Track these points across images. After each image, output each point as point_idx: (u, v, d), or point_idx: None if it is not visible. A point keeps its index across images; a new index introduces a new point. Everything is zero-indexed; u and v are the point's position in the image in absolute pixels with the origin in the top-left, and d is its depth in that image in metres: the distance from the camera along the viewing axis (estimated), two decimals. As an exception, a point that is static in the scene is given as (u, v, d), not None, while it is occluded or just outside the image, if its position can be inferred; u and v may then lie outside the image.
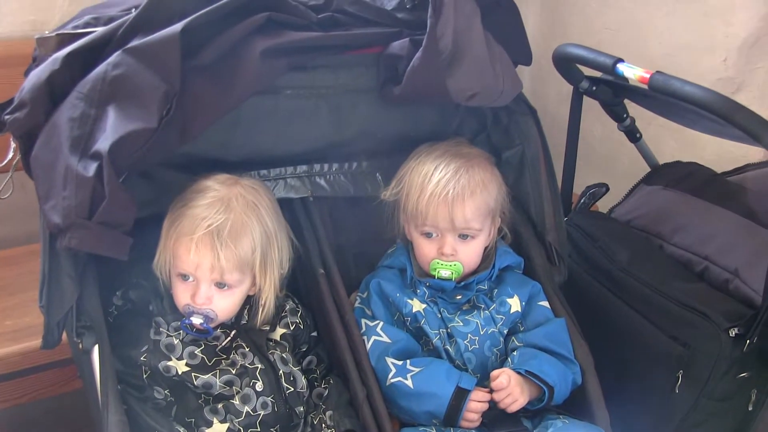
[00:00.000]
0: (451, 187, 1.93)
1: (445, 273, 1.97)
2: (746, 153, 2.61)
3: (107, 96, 1.63)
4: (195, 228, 1.75)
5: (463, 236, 1.97)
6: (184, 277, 1.79)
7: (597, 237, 2.37)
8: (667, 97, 2.06)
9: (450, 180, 1.94)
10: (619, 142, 2.65)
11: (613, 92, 2.36)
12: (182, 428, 1.77)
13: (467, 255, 1.99)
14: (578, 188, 2.59)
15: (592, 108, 2.47)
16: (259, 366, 1.84)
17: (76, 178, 1.59)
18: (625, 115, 2.45)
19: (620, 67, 2.10)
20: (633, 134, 2.51)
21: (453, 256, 1.97)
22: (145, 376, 1.78)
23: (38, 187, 1.66)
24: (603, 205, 2.60)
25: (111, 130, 1.61)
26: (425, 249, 2.00)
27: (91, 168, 1.60)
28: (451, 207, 1.93)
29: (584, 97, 2.44)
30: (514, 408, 1.88)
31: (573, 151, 2.50)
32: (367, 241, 2.21)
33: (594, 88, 2.36)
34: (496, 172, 2.05)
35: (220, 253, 1.74)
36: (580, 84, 2.36)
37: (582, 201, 2.53)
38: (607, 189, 2.51)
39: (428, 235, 1.99)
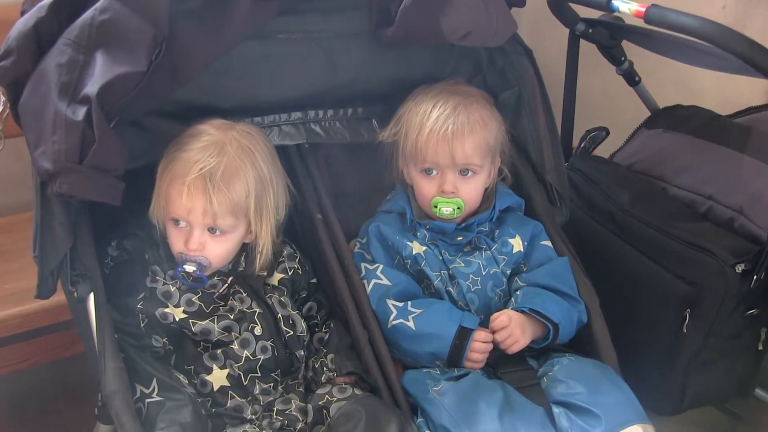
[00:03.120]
0: (450, 123, 1.89)
1: (446, 210, 1.93)
2: (749, 101, 2.55)
3: (95, 41, 1.59)
4: (188, 171, 1.70)
5: (464, 172, 1.93)
6: (177, 222, 1.75)
7: (598, 180, 2.33)
8: (664, 34, 2.02)
9: (449, 116, 1.90)
10: (618, 94, 2.61)
11: (609, 33, 2.32)
12: (182, 376, 1.73)
13: (468, 192, 1.94)
14: (577, 137, 2.54)
15: (589, 61, 2.43)
16: (257, 310, 1.81)
17: (66, 123, 1.56)
18: (623, 58, 2.42)
19: (615, 2, 2.05)
20: (632, 77, 2.47)
21: (454, 193, 1.93)
22: (142, 325, 1.74)
23: (27, 134, 1.62)
24: (603, 153, 2.55)
25: (99, 74, 1.57)
26: (425, 188, 1.96)
27: (81, 112, 1.56)
28: (451, 142, 1.89)
29: (581, 43, 2.39)
30: (515, 349, 1.84)
31: (571, 96, 2.47)
32: (365, 190, 2.17)
33: (590, 30, 2.32)
34: (496, 111, 2.00)
35: (213, 197, 1.70)
36: (576, 27, 2.32)
37: (582, 145, 2.49)
38: (608, 133, 2.47)
39: (428, 172, 1.95)
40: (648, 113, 2.56)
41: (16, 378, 2.51)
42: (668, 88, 2.74)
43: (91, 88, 1.56)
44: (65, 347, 2.38)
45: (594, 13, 2.27)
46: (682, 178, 2.27)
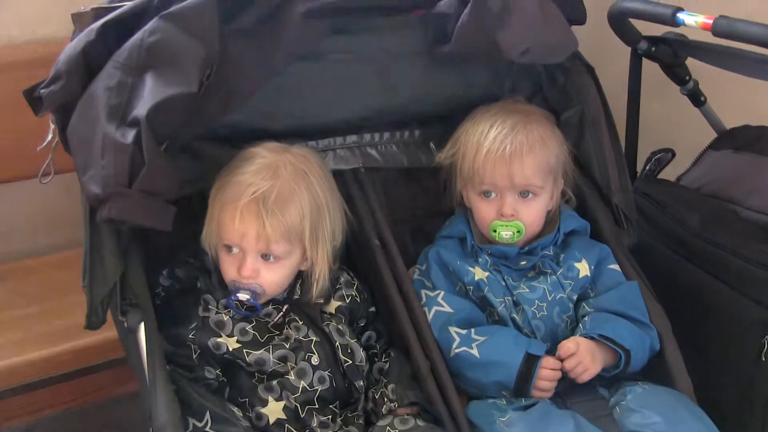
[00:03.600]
0: (509, 143, 1.82)
1: (506, 234, 1.85)
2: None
3: (145, 63, 1.56)
4: (240, 195, 1.65)
5: (524, 194, 1.85)
6: (230, 248, 1.69)
7: (665, 203, 2.23)
8: (732, 48, 1.94)
9: (507, 135, 1.83)
10: (679, 116, 2.51)
11: (673, 51, 2.23)
12: (236, 408, 1.66)
13: (529, 215, 1.86)
14: (640, 161, 2.45)
15: (649, 82, 2.35)
16: (314, 339, 1.73)
17: (114, 146, 1.51)
18: (687, 77, 2.32)
19: (680, 15, 1.97)
20: (697, 98, 2.37)
21: (513, 216, 1.85)
22: (195, 356, 1.68)
23: (76, 159, 1.58)
24: (668, 178, 2.45)
25: (149, 95, 1.54)
26: (484, 211, 1.88)
27: (130, 135, 1.52)
28: (509, 163, 1.82)
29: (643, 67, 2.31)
30: (585, 377, 1.75)
31: (635, 118, 2.37)
32: (424, 215, 2.09)
33: (653, 48, 2.23)
34: (557, 130, 1.93)
35: (266, 222, 1.64)
36: (638, 45, 2.23)
37: (647, 168, 2.39)
38: (674, 154, 2.37)
39: (487, 195, 1.87)
40: (713, 135, 2.45)
41: (67, 416, 2.45)
42: (729, 115, 2.63)
43: (141, 109, 1.52)
44: (117, 385, 2.35)
45: (656, 31, 2.18)
46: (755, 199, 2.16)
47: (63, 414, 2.40)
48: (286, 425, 1.67)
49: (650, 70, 2.35)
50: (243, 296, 1.67)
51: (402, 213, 2.07)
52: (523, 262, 1.90)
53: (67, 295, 2.34)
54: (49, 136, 1.72)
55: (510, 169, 1.82)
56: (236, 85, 1.67)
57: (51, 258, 2.57)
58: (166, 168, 1.56)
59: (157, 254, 1.79)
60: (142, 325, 1.63)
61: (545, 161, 1.86)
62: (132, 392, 1.97)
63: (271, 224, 1.64)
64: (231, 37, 1.62)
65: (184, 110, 1.56)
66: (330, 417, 1.72)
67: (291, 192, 1.68)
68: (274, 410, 1.67)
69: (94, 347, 2.18)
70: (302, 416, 1.68)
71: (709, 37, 1.96)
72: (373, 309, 1.90)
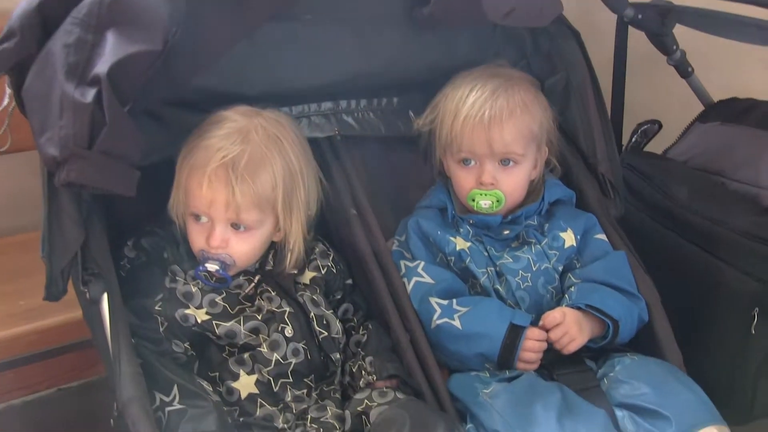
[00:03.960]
0: (488, 107, 1.74)
1: (484, 203, 1.77)
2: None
3: (106, 20, 1.46)
4: (208, 160, 1.56)
5: (505, 162, 1.77)
6: (198, 217, 1.60)
7: (652, 176, 2.17)
8: (722, 13, 1.87)
9: (487, 100, 1.75)
10: (667, 106, 2.45)
11: (660, 18, 2.16)
12: (206, 383, 1.57)
13: (509, 184, 1.78)
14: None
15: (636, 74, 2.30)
16: (288, 309, 1.65)
17: (73, 105, 1.42)
18: (675, 47, 2.25)
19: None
20: (684, 68, 2.31)
21: (493, 185, 1.77)
22: (161, 329, 1.59)
23: (32, 121, 1.48)
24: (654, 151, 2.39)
25: (111, 53, 1.44)
26: (462, 179, 1.80)
27: (90, 94, 1.42)
28: (488, 129, 1.74)
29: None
30: (571, 348, 1.68)
31: (620, 88, 2.32)
32: (403, 186, 2.01)
33: (640, 16, 2.16)
34: (541, 95, 1.85)
35: (236, 188, 1.55)
36: (625, 12, 2.16)
37: (633, 140, 2.32)
38: (660, 126, 2.30)
39: (466, 163, 1.79)
40: (699, 110, 2.38)
41: (36, 403, 2.35)
42: (714, 90, 2.57)
43: (102, 67, 1.42)
44: (86, 367, 2.24)
45: None
46: (744, 171, 2.10)
47: (31, 399, 2.31)
48: (259, 400, 1.59)
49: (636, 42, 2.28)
50: (211, 267, 1.58)
51: (380, 184, 1.98)
52: (506, 232, 1.82)
53: (31, 276, 2.23)
54: (5, 101, 1.62)
55: (489, 136, 1.74)
56: (203, 45, 1.58)
57: (15, 239, 2.47)
58: (129, 129, 1.46)
59: (122, 225, 1.70)
60: (105, 296, 1.54)
61: (527, 128, 1.78)
62: (103, 376, 1.88)
63: (241, 191, 1.56)
64: (197, -7, 1.53)
65: (148, 69, 1.46)
66: (305, 391, 1.64)
67: (262, 157, 1.59)
68: (245, 384, 1.59)
69: (60, 327, 2.08)
70: (275, 390, 1.60)
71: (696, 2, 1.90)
72: (350, 281, 1.82)
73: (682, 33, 2.24)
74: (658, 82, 2.54)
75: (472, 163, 1.79)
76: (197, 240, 1.61)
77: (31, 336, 2.06)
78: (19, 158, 2.04)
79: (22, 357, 2.10)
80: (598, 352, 1.75)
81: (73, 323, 2.00)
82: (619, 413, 1.57)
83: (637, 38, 2.31)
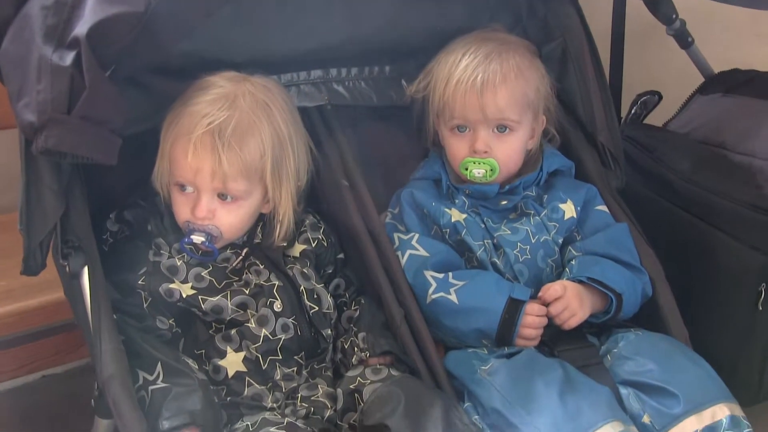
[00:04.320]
0: (481, 71, 1.69)
1: (478, 172, 1.71)
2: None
3: (85, -20, 1.39)
4: (194, 127, 1.49)
5: (501, 129, 1.72)
6: (183, 187, 1.53)
7: (653, 147, 2.10)
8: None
9: (480, 64, 1.69)
10: (664, 79, 2.39)
11: (659, -15, 2.09)
12: (191, 361, 1.50)
13: (503, 152, 1.72)
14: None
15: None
16: (277, 283, 1.58)
17: (52, 69, 1.35)
18: (674, 16, 2.19)
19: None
20: (684, 38, 2.24)
21: (487, 153, 1.71)
22: (145, 304, 1.53)
23: (9, 85, 1.42)
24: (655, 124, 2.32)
25: (90, 14, 1.37)
26: (455, 147, 1.75)
27: (69, 57, 1.35)
28: (480, 94, 1.68)
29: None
30: (572, 323, 1.62)
31: (619, 58, 2.25)
32: (396, 157, 1.94)
33: (638, -18, 2.10)
34: (537, 61, 1.79)
35: (222, 156, 1.48)
36: (622, -21, 2.10)
37: (633, 111, 2.26)
38: (660, 97, 2.24)
39: (460, 130, 1.73)
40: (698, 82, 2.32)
41: (20, 391, 2.29)
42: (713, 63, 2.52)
43: (81, 29, 1.35)
44: (70, 350, 2.18)
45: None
46: (747, 143, 2.04)
47: (13, 387, 2.24)
48: (247, 378, 1.53)
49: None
50: (197, 238, 1.52)
51: (373, 155, 1.90)
52: (503, 202, 1.76)
53: (12, 256, 2.16)
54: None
55: (482, 101, 1.68)
56: (188, 6, 1.50)
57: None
58: (110, 93, 1.39)
59: (105, 197, 1.64)
60: (86, 269, 1.47)
61: (521, 93, 1.72)
62: (88, 360, 1.82)
63: (228, 159, 1.49)
64: (181, -47, 1.45)
65: (130, 32, 1.39)
66: (295, 369, 1.57)
67: (250, 124, 1.52)
68: (233, 362, 1.53)
69: (42, 308, 2.00)
70: (264, 368, 1.54)
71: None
72: (341, 256, 1.75)
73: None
74: (654, 55, 2.48)
75: (466, 130, 1.73)
76: (182, 211, 1.54)
77: (11, 317, 1.99)
78: (1, 136, 1.97)
79: (1, 340, 2.03)
80: (600, 327, 1.70)
81: (56, 304, 1.93)
82: (624, 391, 1.52)
83: (630, 9, 2.24)
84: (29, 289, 2.01)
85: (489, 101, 1.68)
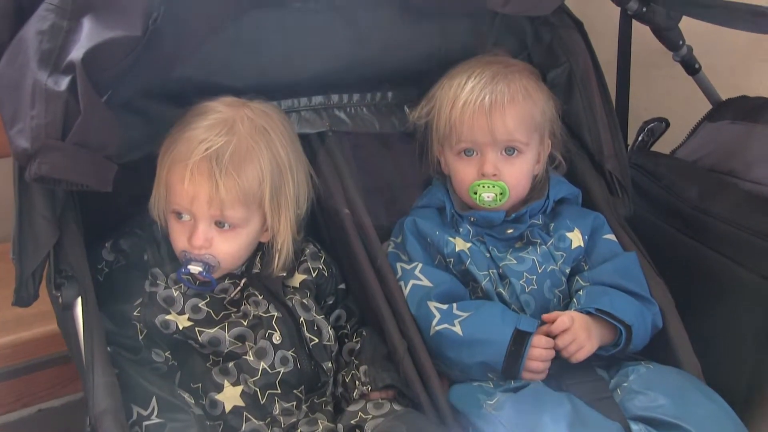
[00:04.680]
0: (488, 92, 1.66)
1: (487, 196, 1.68)
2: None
3: (82, 5, 1.37)
4: (191, 152, 1.46)
5: (508, 151, 1.69)
6: (180, 215, 1.50)
7: (660, 175, 2.07)
8: (731, 3, 1.78)
9: (486, 85, 1.68)
10: (670, 107, 2.36)
11: (666, 11, 2.06)
12: (187, 395, 1.46)
13: (513, 175, 1.69)
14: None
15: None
16: (276, 314, 1.54)
17: (46, 94, 1.32)
18: (681, 42, 2.15)
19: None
20: (691, 65, 2.21)
21: (496, 176, 1.68)
22: (140, 336, 1.49)
23: (3, 111, 1.39)
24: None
25: (86, 38, 1.36)
26: (463, 171, 1.71)
27: (64, 82, 1.33)
28: (489, 115, 1.66)
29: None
30: (580, 356, 1.57)
31: (625, 86, 2.21)
32: (398, 185, 1.90)
33: (644, 9, 2.06)
34: (542, 84, 1.78)
35: (220, 182, 1.45)
36: (628, 5, 2.06)
37: (640, 139, 2.22)
38: (668, 124, 2.20)
39: (467, 154, 1.70)
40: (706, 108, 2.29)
41: (14, 426, 2.24)
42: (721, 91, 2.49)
43: (76, 53, 1.34)
44: (66, 383, 2.13)
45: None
46: (757, 170, 2.00)
47: (5, 420, 2.20)
48: (245, 413, 1.48)
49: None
50: (195, 269, 1.48)
51: (375, 183, 1.87)
52: (509, 231, 1.72)
53: (6, 287, 2.14)
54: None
55: (490, 122, 1.66)
56: (186, 32, 1.49)
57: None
58: (106, 119, 1.37)
59: (100, 225, 1.60)
60: (79, 300, 1.43)
61: (529, 114, 1.69)
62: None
63: (226, 186, 1.46)
64: (180, -24, 1.43)
65: (127, 56, 1.37)
66: (294, 403, 1.53)
67: (249, 150, 1.49)
68: (230, 396, 1.48)
69: (36, 340, 1.98)
70: (262, 403, 1.49)
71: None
72: (342, 286, 1.71)
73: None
74: (661, 82, 2.46)
75: (473, 153, 1.70)
76: (179, 240, 1.51)
77: (4, 350, 1.96)
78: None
79: (-4, 372, 1.99)
80: (609, 360, 1.65)
81: (50, 336, 1.91)
82: (635, 427, 1.46)
83: (636, 36, 2.22)
84: (23, 320, 1.98)
85: (498, 122, 1.66)
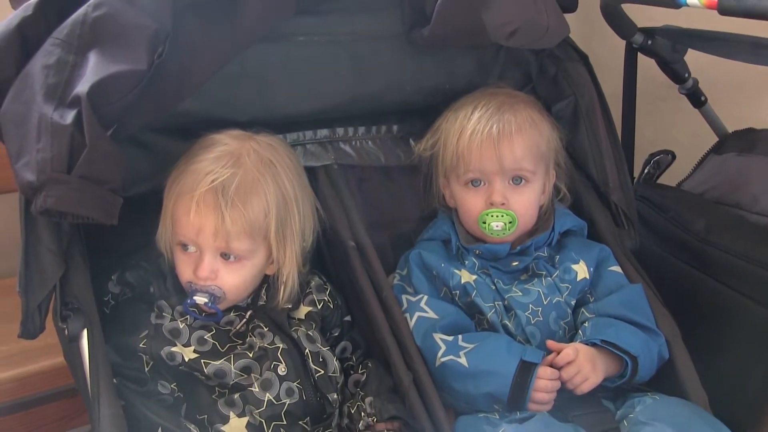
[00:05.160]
0: (495, 121, 1.68)
1: (496, 225, 1.69)
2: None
3: (88, 40, 1.39)
4: (197, 184, 1.48)
5: (516, 181, 1.70)
6: (185, 247, 1.51)
7: (667, 207, 2.07)
8: (738, 35, 1.80)
9: (493, 115, 1.69)
10: (675, 140, 2.38)
11: (671, 44, 2.07)
12: (193, 426, 1.47)
13: (520, 204, 1.70)
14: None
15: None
16: (281, 346, 1.55)
17: (52, 128, 1.34)
18: (686, 75, 2.17)
19: (683, -5, 1.82)
20: (697, 97, 2.22)
21: (504, 205, 1.69)
22: (146, 368, 1.50)
23: (9, 146, 1.41)
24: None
25: (92, 72, 1.38)
26: (470, 202, 1.72)
27: (69, 115, 1.35)
28: (497, 144, 1.67)
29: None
30: (584, 388, 1.57)
31: (631, 118, 2.23)
32: (404, 220, 1.91)
33: (649, 42, 2.08)
34: (546, 114, 1.79)
35: (225, 214, 1.46)
36: (634, 38, 2.08)
37: (646, 171, 2.23)
38: (674, 157, 2.22)
39: (474, 184, 1.71)
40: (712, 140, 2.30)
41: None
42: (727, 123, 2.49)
43: (82, 87, 1.35)
44: (72, 417, 2.14)
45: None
46: (763, 203, 2.00)
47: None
48: (250, 445, 1.49)
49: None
50: (200, 299, 1.49)
51: (380, 216, 1.88)
52: (515, 263, 1.73)
53: (12, 321, 2.14)
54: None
55: (499, 152, 1.67)
56: (190, 66, 1.51)
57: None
58: (111, 152, 1.38)
59: (107, 259, 1.61)
60: (85, 332, 1.44)
61: (536, 144, 1.71)
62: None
63: (231, 217, 1.47)
64: (185, 11, 1.46)
65: (132, 90, 1.39)
66: (300, 435, 1.53)
67: (255, 182, 1.51)
68: (236, 427, 1.49)
69: (43, 373, 1.99)
70: (268, 434, 1.50)
71: (709, 24, 1.82)
72: (348, 318, 1.72)
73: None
74: (667, 114, 2.47)
75: (481, 183, 1.71)
76: (185, 271, 1.52)
77: (12, 383, 1.97)
78: (4, 200, 1.95)
79: (2, 406, 2.00)
80: (616, 391, 1.65)
81: (57, 369, 1.93)
82: (642, 457, 1.46)
83: (642, 69, 2.23)
84: (30, 353, 1.99)
85: (506, 151, 1.67)
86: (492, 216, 1.69)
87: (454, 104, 1.78)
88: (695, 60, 2.16)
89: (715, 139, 2.27)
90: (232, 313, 1.57)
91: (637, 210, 2.00)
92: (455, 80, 1.85)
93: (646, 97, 2.34)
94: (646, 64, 2.19)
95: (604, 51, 2.22)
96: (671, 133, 2.57)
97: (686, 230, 1.99)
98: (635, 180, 2.26)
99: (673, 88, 2.24)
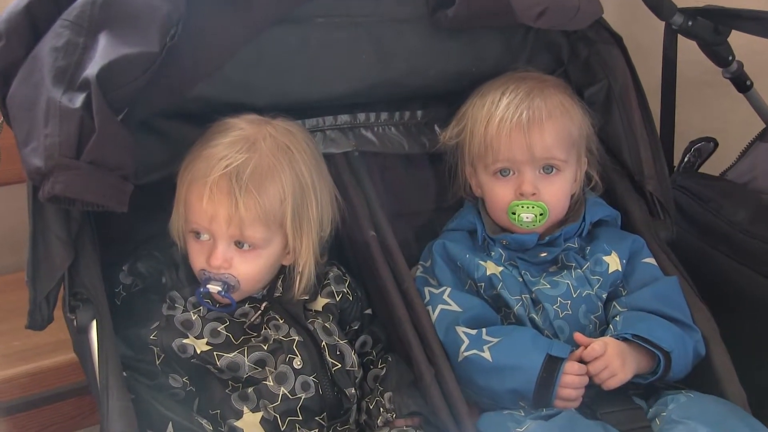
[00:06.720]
0: (525, 108, 1.67)
1: (526, 217, 1.69)
2: None
3: (98, 22, 1.42)
4: (210, 169, 1.49)
5: (547, 170, 1.70)
6: (198, 235, 1.53)
7: (708, 198, 2.07)
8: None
9: (523, 100, 1.69)
10: (720, 127, 2.37)
11: (713, 25, 2.06)
12: (205, 421, 1.48)
13: (552, 194, 1.70)
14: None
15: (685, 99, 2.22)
16: (297, 338, 1.56)
17: (60, 111, 1.36)
18: (730, 57, 2.15)
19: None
20: (742, 82, 2.20)
21: (535, 195, 1.69)
22: (158, 362, 1.51)
23: (17, 130, 1.43)
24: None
25: (102, 55, 1.40)
26: (499, 192, 1.72)
27: (78, 99, 1.37)
28: (527, 132, 1.67)
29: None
30: (612, 384, 1.57)
31: (670, 103, 2.21)
32: (427, 209, 1.92)
33: (690, 23, 2.07)
34: (577, 98, 1.78)
35: (239, 201, 1.48)
36: (673, 19, 2.07)
37: (686, 159, 2.22)
38: (716, 144, 2.20)
39: (503, 174, 1.71)
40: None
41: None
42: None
43: (91, 70, 1.37)
44: (87, 414, 2.16)
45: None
46: (813, 194, 2.00)
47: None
48: (265, 441, 1.50)
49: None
50: (213, 288, 1.51)
51: (403, 206, 1.89)
52: (543, 254, 1.73)
53: (23, 316, 2.19)
54: (-1, 130, 1.58)
55: (529, 140, 1.67)
56: (205, 49, 1.54)
57: (13, 277, 2.41)
58: (121, 137, 1.40)
59: (119, 249, 1.64)
60: (94, 323, 1.46)
61: (567, 131, 1.71)
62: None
63: (245, 204, 1.49)
64: (200, -9, 1.47)
65: (143, 72, 1.41)
66: (316, 431, 1.55)
67: (270, 168, 1.52)
68: (249, 423, 1.50)
69: (58, 369, 2.01)
70: (283, 430, 1.51)
71: (755, 3, 1.82)
72: (369, 311, 1.73)
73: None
74: (711, 100, 2.45)
75: (510, 173, 1.71)
76: (197, 259, 1.54)
77: (24, 378, 1.99)
78: (17, 191, 1.98)
79: (15, 403, 2.03)
80: (648, 388, 1.65)
81: (71, 365, 1.94)
82: (673, 457, 1.46)
83: (684, 54, 2.22)
84: (43, 349, 2.01)
85: (536, 139, 1.67)
86: (522, 207, 1.69)
87: (480, 89, 1.78)
88: (742, 43, 2.14)
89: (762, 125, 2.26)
90: (246, 305, 1.59)
91: (675, 200, 1.99)
92: (482, 64, 1.84)
93: (693, 82, 2.33)
94: (694, 49, 2.18)
95: (649, 37, 2.20)
96: (719, 120, 2.55)
97: (727, 221, 1.99)
98: (675, 168, 2.25)
99: (719, 72, 2.22)
